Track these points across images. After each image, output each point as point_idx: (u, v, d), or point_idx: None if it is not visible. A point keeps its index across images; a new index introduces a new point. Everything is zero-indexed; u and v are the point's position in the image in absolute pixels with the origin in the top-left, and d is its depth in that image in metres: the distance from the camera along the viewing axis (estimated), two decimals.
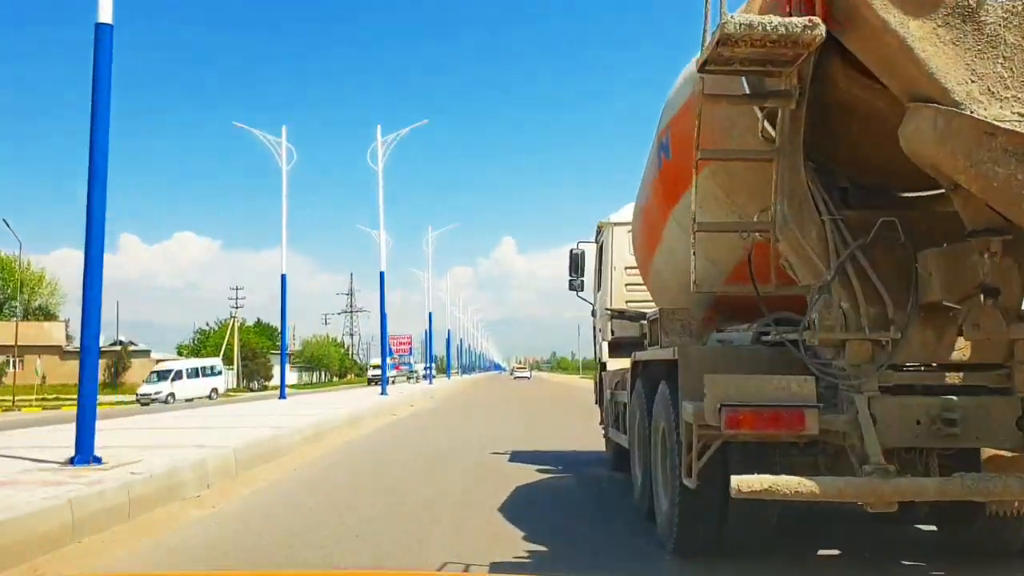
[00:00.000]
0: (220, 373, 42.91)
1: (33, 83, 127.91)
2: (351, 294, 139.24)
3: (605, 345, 9.18)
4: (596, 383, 10.47)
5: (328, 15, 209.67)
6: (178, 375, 39.74)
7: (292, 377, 73.73)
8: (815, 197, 4.24)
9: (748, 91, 4.34)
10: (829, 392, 4.18)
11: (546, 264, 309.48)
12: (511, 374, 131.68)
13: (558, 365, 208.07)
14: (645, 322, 8.56)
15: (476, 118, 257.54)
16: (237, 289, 74.13)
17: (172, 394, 37.50)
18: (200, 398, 37.67)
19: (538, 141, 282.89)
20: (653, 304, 8.57)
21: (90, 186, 7.61)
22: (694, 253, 4.67)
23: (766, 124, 4.33)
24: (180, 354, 60.12)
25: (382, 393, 28.02)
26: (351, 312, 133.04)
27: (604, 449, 9.47)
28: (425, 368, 57.52)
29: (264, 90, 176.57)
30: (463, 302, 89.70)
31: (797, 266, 4.35)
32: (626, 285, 9.16)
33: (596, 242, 10.44)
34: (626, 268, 9.17)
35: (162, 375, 39.66)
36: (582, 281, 10.45)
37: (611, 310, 9.08)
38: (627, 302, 9.06)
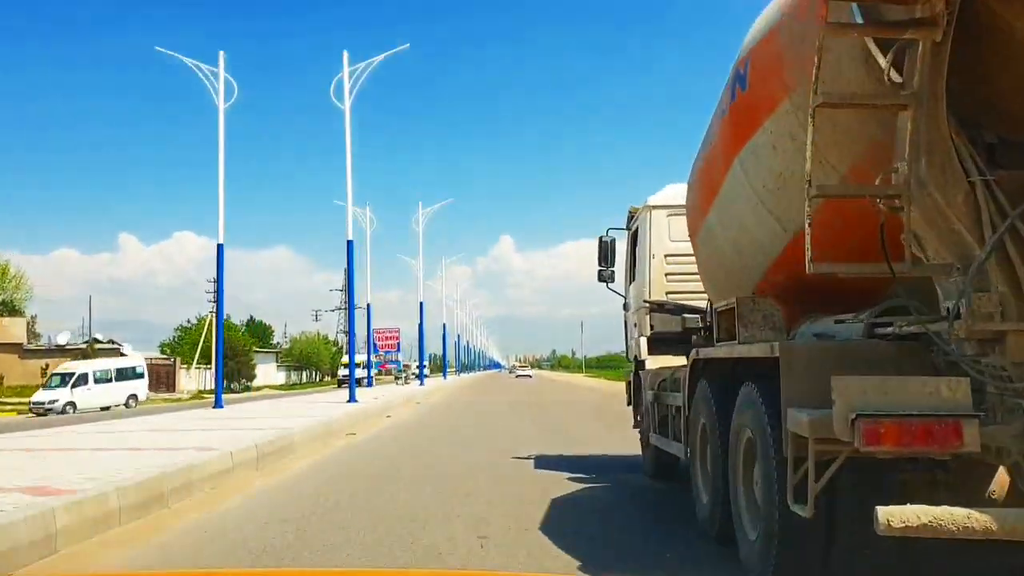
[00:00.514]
0: (143, 375, 34.78)
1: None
2: (345, 290, 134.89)
3: (643, 341, 8.33)
4: (628, 383, 9.63)
5: None
6: (82, 379, 31.41)
7: (280, 377, 70.96)
8: (960, 154, 3.41)
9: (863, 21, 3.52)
10: (976, 397, 3.36)
11: (544, 263, 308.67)
12: (510, 372, 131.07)
13: (559, 363, 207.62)
14: (689, 315, 7.80)
15: (475, 110, 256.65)
16: (216, 281, 68.22)
17: (72, 403, 30.00)
18: (116, 406, 31.40)
19: (540, 139, 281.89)
20: (695, 296, 7.79)
21: None
22: (769, 212, 3.88)
23: (889, 68, 3.50)
24: (163, 352, 57.14)
25: (350, 400, 21.64)
26: (344, 309, 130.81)
27: (631, 454, 8.65)
28: (418, 367, 51.24)
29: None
30: (460, 296, 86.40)
31: (931, 239, 3.50)
32: (666, 275, 8.32)
33: (628, 228, 9.61)
34: (666, 256, 8.34)
35: (66, 378, 31.43)
36: (613, 272, 9.61)
37: (649, 303, 8.23)
38: (667, 293, 8.23)
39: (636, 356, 8.72)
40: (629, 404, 9.52)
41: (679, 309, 7.95)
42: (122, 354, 43.37)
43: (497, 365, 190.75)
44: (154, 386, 46.89)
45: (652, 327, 8.25)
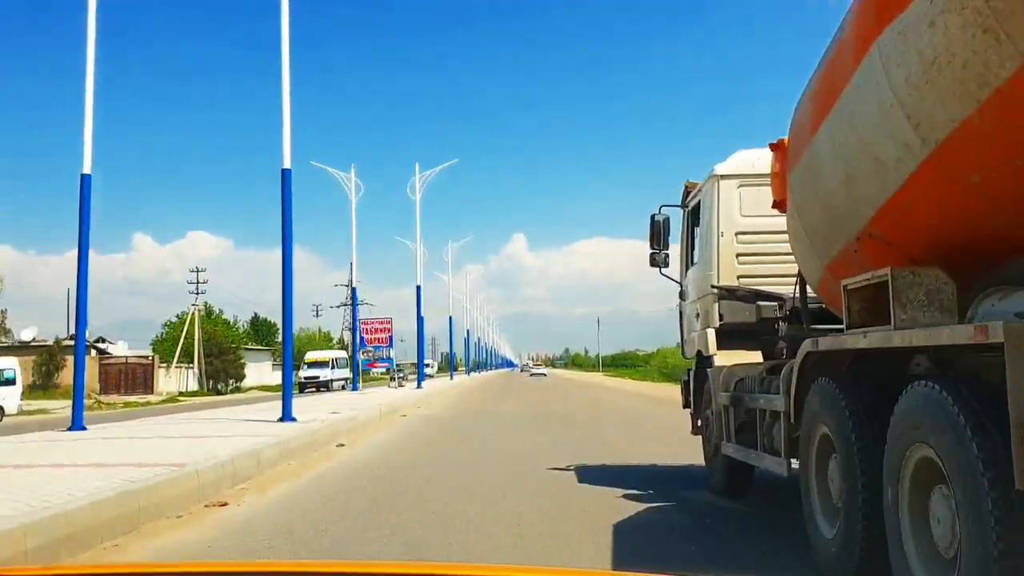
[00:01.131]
0: (13, 382, 25.19)
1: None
2: (351, 284, 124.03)
3: (711, 334, 7.13)
4: (685, 383, 8.45)
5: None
6: None
7: (276, 376, 63.78)
8: None
9: None
10: None
11: (557, 261, 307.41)
12: (522, 370, 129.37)
13: (572, 362, 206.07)
14: (766, 303, 6.63)
15: (488, 118, 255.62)
16: (198, 271, 59.18)
17: None
18: None
19: (551, 138, 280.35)
20: (771, 280, 6.60)
21: None
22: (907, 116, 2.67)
23: None
24: (154, 351, 53.63)
25: (283, 418, 13.27)
26: (350, 305, 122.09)
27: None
28: (415, 366, 44.36)
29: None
30: (469, 291, 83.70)
31: None
32: (737, 256, 7.12)
33: (683, 206, 8.42)
34: (737, 234, 7.14)
35: None
36: (667, 255, 8.41)
37: (719, 288, 7.04)
38: (739, 277, 7.03)
39: (700, 351, 7.53)
40: (686, 407, 8.35)
41: (753, 296, 6.78)
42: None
43: (510, 364, 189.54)
44: (130, 387, 44.52)
45: (721, 317, 7.06)
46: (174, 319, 59.12)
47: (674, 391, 10.46)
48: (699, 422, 7.70)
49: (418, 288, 37.30)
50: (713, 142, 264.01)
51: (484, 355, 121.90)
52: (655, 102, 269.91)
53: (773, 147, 5.54)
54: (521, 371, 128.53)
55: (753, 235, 7.03)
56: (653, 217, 8.35)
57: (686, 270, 8.36)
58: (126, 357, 49.36)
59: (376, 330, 43.79)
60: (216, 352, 52.67)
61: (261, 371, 60.27)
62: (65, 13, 72.96)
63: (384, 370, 48.08)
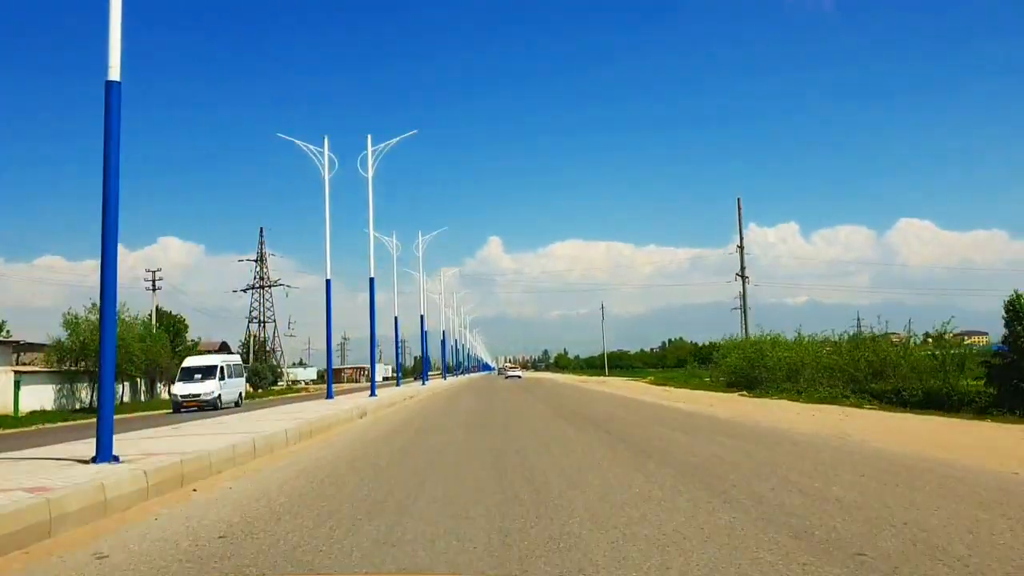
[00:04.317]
0: None
1: None
2: (261, 259, 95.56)
3: None
4: None
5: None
6: None
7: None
8: None
9: None
10: None
11: (533, 264, 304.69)
12: (499, 373, 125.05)
13: (556, 363, 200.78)
14: None
15: (462, 118, 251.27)
16: (155, 273, 58.50)
17: None
18: None
19: (530, 141, 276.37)
20: None
21: None
22: None
23: None
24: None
25: (97, 457, 8.25)
26: (261, 287, 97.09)
27: None
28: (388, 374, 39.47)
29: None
30: (448, 294, 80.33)
31: None
32: None
33: None
34: None
35: None
36: None
37: None
38: None
39: None
40: None
41: None
42: None
43: (488, 367, 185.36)
44: None
45: None
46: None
47: None
48: None
49: (371, 281, 32.27)
50: (701, 150, 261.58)
51: (461, 358, 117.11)
52: (635, 104, 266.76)
53: None
54: (499, 374, 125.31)
55: None
56: None
57: None
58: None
59: None
60: (127, 359, 43.36)
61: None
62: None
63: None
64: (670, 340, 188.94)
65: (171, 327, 57.12)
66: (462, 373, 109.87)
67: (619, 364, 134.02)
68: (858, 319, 39.11)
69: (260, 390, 68.90)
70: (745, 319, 48.27)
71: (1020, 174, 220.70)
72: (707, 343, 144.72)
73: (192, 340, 62.09)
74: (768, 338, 36.69)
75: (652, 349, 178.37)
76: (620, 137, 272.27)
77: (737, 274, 49.34)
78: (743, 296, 48.63)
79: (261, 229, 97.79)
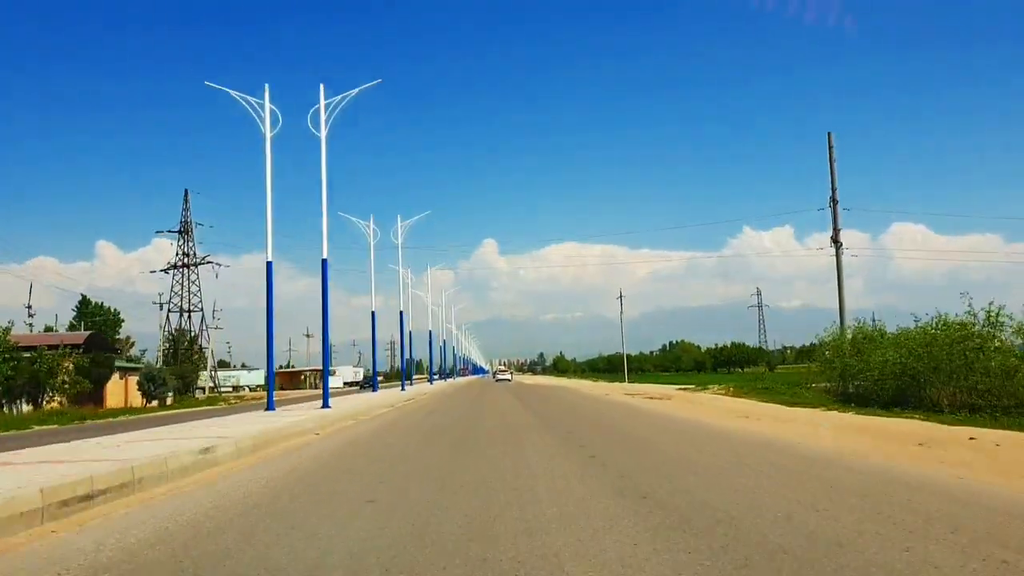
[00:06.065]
0: None
1: None
2: (185, 229, 73.98)
3: None
4: None
5: None
6: None
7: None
8: None
9: None
10: None
11: (528, 266, 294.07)
12: (492, 376, 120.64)
13: (554, 366, 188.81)
14: None
15: (463, 119, 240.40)
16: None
17: None
18: None
19: (523, 144, 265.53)
20: None
21: None
22: None
23: None
24: None
25: None
26: (185, 266, 74.24)
27: None
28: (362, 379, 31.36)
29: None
30: (437, 294, 70.37)
31: None
32: None
33: None
34: None
35: None
36: None
37: None
38: None
39: None
40: None
41: None
42: None
43: (481, 370, 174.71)
44: None
45: None
46: None
47: None
48: None
49: (324, 262, 25.12)
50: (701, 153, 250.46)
51: (452, 361, 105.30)
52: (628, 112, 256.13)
53: None
54: (492, 376, 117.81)
55: None
56: None
57: None
58: None
59: None
60: None
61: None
62: None
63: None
64: (671, 342, 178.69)
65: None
66: (448, 376, 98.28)
67: (630, 367, 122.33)
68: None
69: (171, 400, 51.88)
70: (842, 297, 35.88)
71: None
72: (715, 345, 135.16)
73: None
74: (884, 333, 24.32)
75: (652, 352, 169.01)
76: (620, 136, 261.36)
77: (832, 239, 36.90)
78: (838, 267, 36.21)
79: (186, 192, 76.71)
